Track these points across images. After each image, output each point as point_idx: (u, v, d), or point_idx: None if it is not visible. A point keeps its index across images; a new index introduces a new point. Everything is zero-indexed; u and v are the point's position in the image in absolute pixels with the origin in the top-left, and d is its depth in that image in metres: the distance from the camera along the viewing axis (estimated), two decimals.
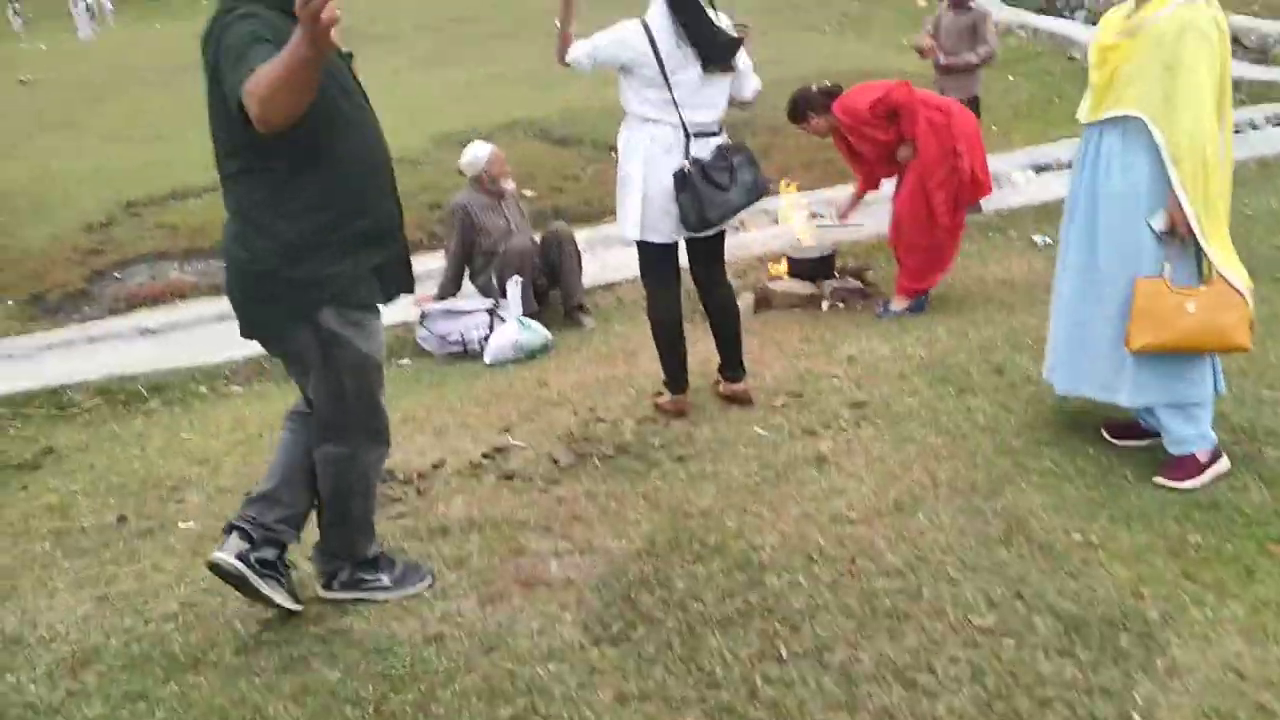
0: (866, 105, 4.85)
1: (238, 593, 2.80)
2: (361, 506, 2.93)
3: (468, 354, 5.37)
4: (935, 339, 4.61)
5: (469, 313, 5.41)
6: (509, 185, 5.78)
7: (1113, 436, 3.57)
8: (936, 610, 2.61)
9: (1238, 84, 10.14)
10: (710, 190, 3.92)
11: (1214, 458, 3.26)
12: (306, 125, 2.41)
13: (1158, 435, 3.39)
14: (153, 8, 41.08)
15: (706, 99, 3.94)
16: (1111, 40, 3.22)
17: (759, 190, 4.02)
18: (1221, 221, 3.16)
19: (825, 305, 5.46)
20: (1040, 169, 8.09)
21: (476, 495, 3.63)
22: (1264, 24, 12.88)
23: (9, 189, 11.35)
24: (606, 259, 6.89)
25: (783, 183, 7.04)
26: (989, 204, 6.45)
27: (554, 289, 5.93)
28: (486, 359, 5.22)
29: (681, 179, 3.91)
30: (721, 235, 4.17)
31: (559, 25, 3.97)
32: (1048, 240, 6.05)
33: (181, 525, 3.73)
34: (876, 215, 6.53)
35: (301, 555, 3.07)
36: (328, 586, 2.99)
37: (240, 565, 2.74)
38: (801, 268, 5.63)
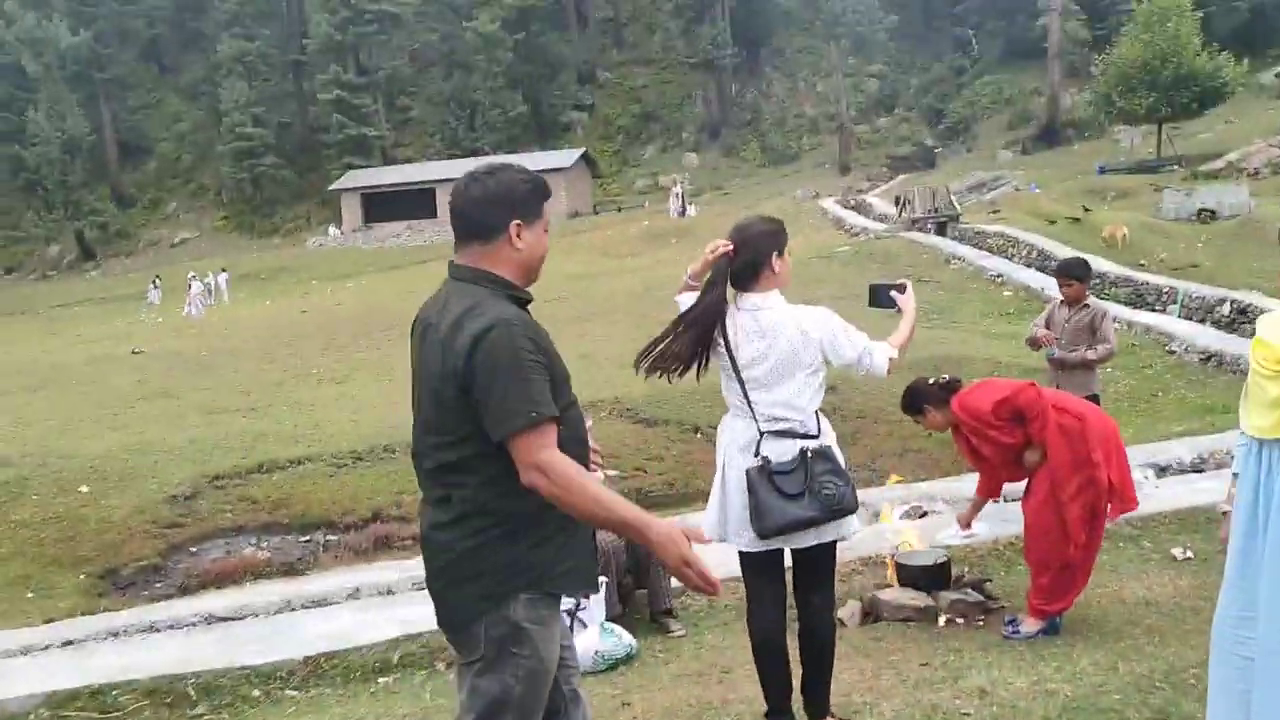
0: (989, 406, 4.49)
1: None
2: None
3: None
4: (1080, 672, 4.02)
5: None
6: (596, 466, 5.36)
7: None
8: None
9: None
10: (771, 497, 3.51)
11: None
12: None
13: None
14: (265, 286, 43.85)
15: (785, 394, 3.61)
16: None
17: (841, 508, 3.56)
18: None
19: (942, 620, 4.90)
20: (1161, 470, 7.58)
21: None
22: None
23: (102, 458, 11.49)
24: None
25: (892, 477, 6.64)
26: None
27: (639, 589, 5.48)
28: None
29: (746, 480, 3.58)
30: (823, 551, 3.69)
31: (688, 272, 3.84)
32: (1189, 554, 5.47)
33: None
34: (991, 519, 6.04)
35: None
36: None
37: None
38: (912, 576, 5.12)
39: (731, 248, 3.69)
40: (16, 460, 11.45)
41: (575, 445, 2.60)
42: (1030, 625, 4.60)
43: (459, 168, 57.77)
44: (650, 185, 59.87)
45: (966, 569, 5.41)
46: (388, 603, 5.72)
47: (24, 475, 10.84)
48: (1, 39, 63.25)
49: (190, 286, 36.95)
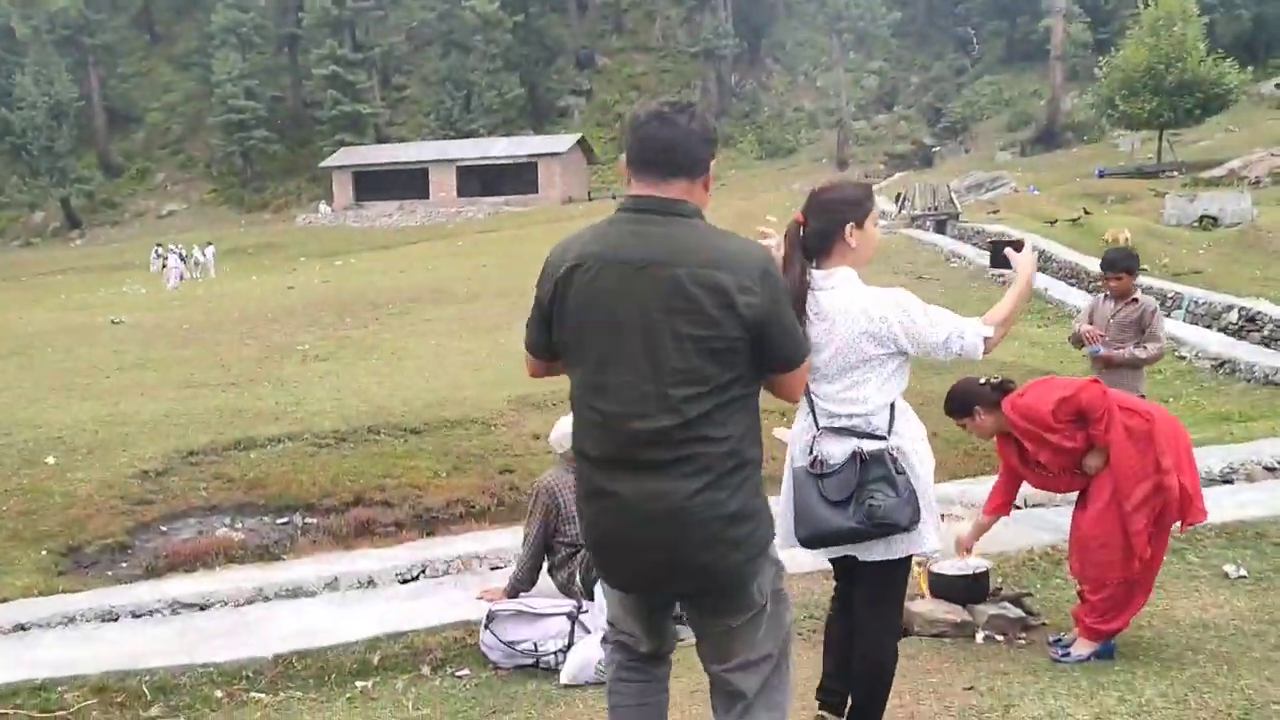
0: (1049, 407, 4.00)
1: None
2: None
3: (540, 668, 4.40)
4: (1146, 705, 3.57)
5: (545, 616, 4.47)
6: None
7: None
8: None
9: None
10: (813, 502, 3.10)
11: None
12: None
13: None
14: (252, 262, 43.19)
15: (846, 387, 3.14)
16: None
17: (885, 522, 3.06)
18: None
19: (980, 637, 4.45)
20: None
21: None
22: None
23: (71, 429, 10.97)
24: None
25: None
26: None
27: None
28: (563, 678, 4.23)
29: (794, 480, 3.19)
30: (875, 570, 3.22)
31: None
32: (1243, 572, 5.04)
33: None
34: (1022, 524, 5.60)
35: None
36: None
37: None
38: (948, 587, 4.66)
39: (801, 216, 3.24)
40: None
41: None
42: (1082, 647, 4.15)
43: (453, 149, 57.46)
44: None
45: (1001, 580, 4.97)
46: (367, 596, 5.25)
47: None
48: None
49: (166, 259, 36.24)
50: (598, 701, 3.94)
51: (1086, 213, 27.53)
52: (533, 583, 4.90)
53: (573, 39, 67.73)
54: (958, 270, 24.84)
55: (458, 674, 4.31)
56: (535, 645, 4.37)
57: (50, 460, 9.92)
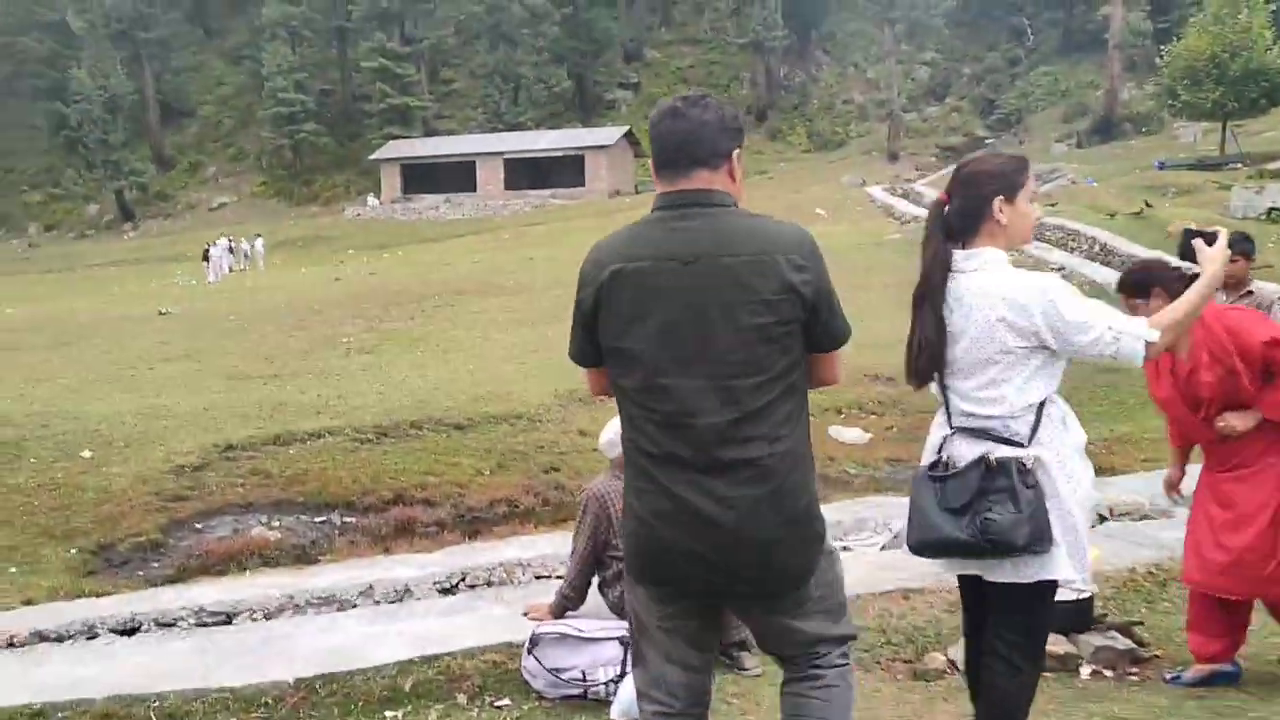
0: (1263, 337, 3.47)
1: None
2: None
3: (588, 699, 3.95)
4: None
5: (595, 641, 4.02)
6: None
7: None
8: None
9: None
10: (926, 505, 2.77)
11: None
12: None
13: None
14: (301, 254, 43.32)
15: (982, 384, 2.75)
16: None
17: (997, 540, 2.66)
18: None
19: (1085, 672, 3.95)
20: None
21: None
22: None
23: (109, 421, 10.74)
24: None
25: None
26: None
27: None
28: (615, 713, 3.75)
29: (915, 482, 2.89)
30: (1009, 594, 2.81)
31: None
32: None
33: None
34: (1116, 541, 5.08)
35: None
36: None
37: None
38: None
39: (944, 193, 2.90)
40: (19, 420, 10.73)
41: None
42: (1196, 672, 3.64)
43: (500, 142, 57.31)
44: None
45: (1103, 605, 4.46)
46: (401, 612, 4.84)
47: (24, 437, 10.10)
48: None
49: (209, 252, 36.22)
50: None
51: (1148, 205, 26.64)
52: (582, 600, 4.46)
53: (621, 32, 67.27)
54: (1016, 264, 24.09)
55: (497, 704, 3.87)
56: (584, 674, 3.91)
57: (86, 454, 9.68)
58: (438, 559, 6.29)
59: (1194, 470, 3.89)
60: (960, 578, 2.99)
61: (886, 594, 4.65)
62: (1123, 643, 4.06)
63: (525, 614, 4.53)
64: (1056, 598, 4.06)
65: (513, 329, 17.85)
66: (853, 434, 11.34)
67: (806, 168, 55.57)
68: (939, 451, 2.85)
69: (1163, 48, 41.66)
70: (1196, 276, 3.08)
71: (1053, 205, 30.33)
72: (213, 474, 9.47)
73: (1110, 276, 19.44)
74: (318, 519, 8.96)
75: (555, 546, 6.30)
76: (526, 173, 55.94)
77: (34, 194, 64.80)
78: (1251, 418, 3.52)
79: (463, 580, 5.89)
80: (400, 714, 3.79)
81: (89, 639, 5.07)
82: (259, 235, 42.89)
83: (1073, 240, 23.65)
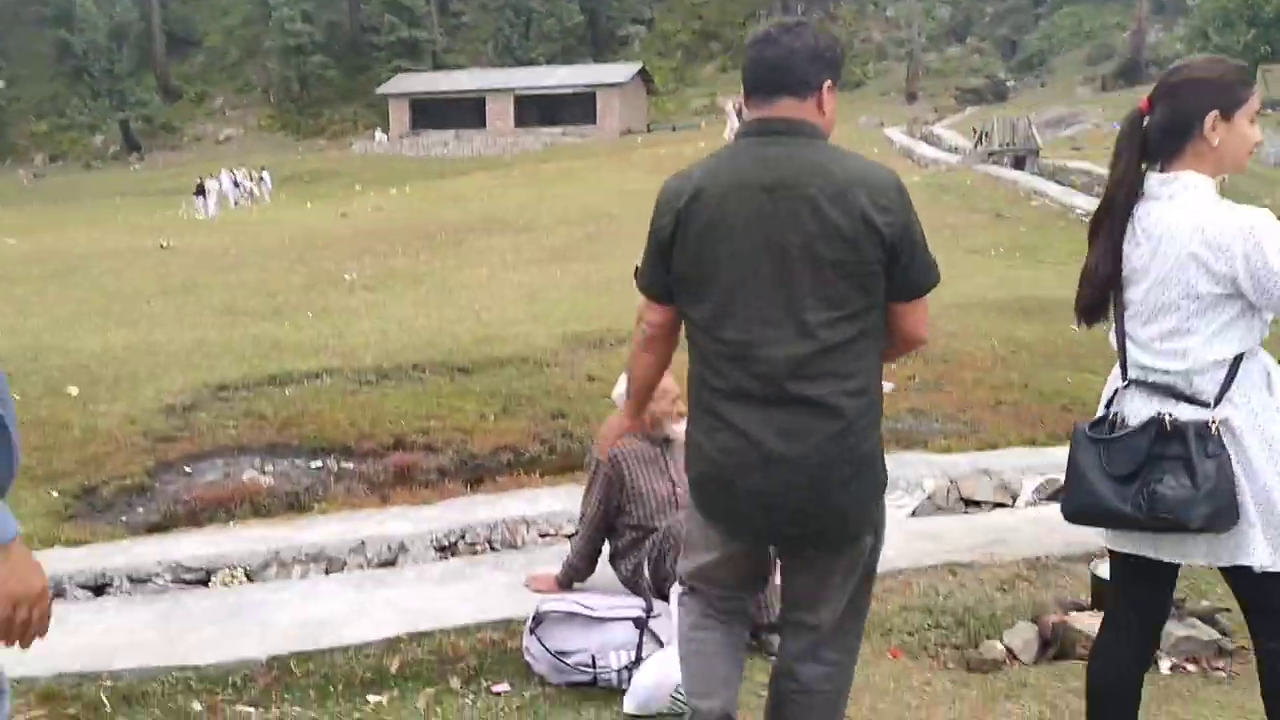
0: None
1: None
2: None
3: (598, 685, 3.51)
4: None
5: (607, 621, 3.55)
6: (678, 429, 3.90)
7: None
8: None
9: None
10: (1087, 468, 2.36)
11: None
12: None
13: None
14: (307, 189, 42.67)
15: (1164, 331, 2.31)
16: None
17: (1163, 514, 2.21)
18: None
19: (1166, 665, 3.48)
20: None
21: None
22: None
23: (99, 357, 10.31)
24: None
25: None
26: None
27: None
28: (629, 705, 3.27)
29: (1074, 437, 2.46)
30: (1171, 573, 2.47)
31: None
32: None
33: None
34: None
35: None
36: None
37: None
38: None
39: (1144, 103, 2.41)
40: (6, 354, 10.29)
41: None
42: None
43: (511, 78, 56.25)
44: (707, 105, 57.61)
45: (1183, 590, 3.98)
46: (391, 578, 4.38)
47: (10, 372, 9.62)
48: None
49: (206, 187, 35.50)
50: None
51: None
52: (591, 570, 4.00)
53: None
54: (1039, 209, 23.47)
55: (494, 689, 3.41)
56: (593, 658, 3.44)
57: (72, 391, 9.25)
58: (436, 514, 5.84)
59: None
60: (1130, 560, 2.47)
61: (930, 569, 4.17)
62: (1208, 633, 3.57)
63: (528, 584, 4.08)
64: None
65: (521, 268, 17.33)
66: None
67: None
68: (1108, 406, 2.41)
69: None
70: None
71: (1077, 149, 29.62)
72: (204, 414, 9.03)
73: None
74: (313, 464, 8.51)
75: (562, 502, 5.85)
76: (537, 109, 54.94)
77: (40, 123, 63.99)
78: None
79: (462, 539, 5.44)
80: (385, 699, 3.33)
81: (53, 597, 4.62)
82: (264, 168, 42.20)
83: (1098, 185, 23.00)
